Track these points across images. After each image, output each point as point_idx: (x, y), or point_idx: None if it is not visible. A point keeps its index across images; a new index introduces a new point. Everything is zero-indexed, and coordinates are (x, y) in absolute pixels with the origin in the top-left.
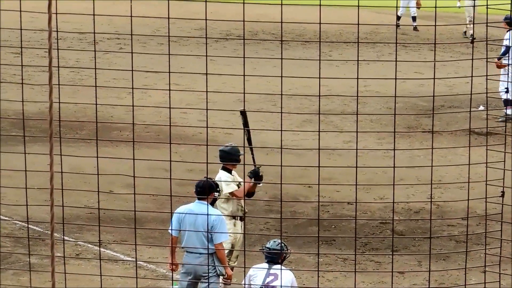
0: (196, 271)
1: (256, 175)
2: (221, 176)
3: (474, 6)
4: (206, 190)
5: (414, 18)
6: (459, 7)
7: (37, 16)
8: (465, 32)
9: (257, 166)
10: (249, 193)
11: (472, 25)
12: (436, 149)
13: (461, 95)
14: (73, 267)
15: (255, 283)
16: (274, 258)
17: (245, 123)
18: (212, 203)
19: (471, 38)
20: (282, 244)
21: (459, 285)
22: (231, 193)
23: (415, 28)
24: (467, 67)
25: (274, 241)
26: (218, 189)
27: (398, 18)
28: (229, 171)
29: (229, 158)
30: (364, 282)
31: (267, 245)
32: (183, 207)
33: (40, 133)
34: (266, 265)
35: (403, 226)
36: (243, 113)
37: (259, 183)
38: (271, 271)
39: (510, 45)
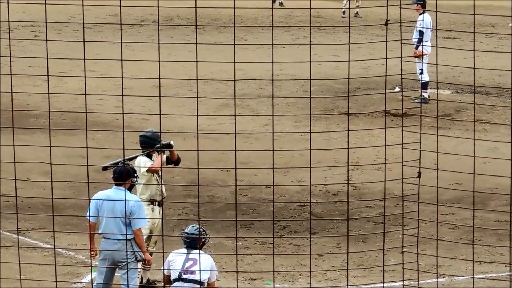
0: (114, 257)
1: (163, 146)
2: (140, 159)
3: None
4: (124, 176)
5: None
6: None
7: None
8: (344, 12)
9: (161, 143)
10: (176, 161)
11: (348, 4)
12: (352, 131)
13: (377, 77)
14: None
15: (174, 268)
16: (193, 243)
17: (117, 163)
18: (130, 189)
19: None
20: (201, 229)
21: (377, 265)
22: (148, 170)
23: (281, 4)
24: (382, 49)
25: (193, 226)
26: (135, 175)
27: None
28: (150, 157)
29: (150, 143)
30: (283, 265)
31: (186, 230)
32: (100, 193)
33: None
34: (185, 250)
35: (321, 209)
36: (105, 169)
37: (170, 150)
38: (190, 256)
39: (423, 27)
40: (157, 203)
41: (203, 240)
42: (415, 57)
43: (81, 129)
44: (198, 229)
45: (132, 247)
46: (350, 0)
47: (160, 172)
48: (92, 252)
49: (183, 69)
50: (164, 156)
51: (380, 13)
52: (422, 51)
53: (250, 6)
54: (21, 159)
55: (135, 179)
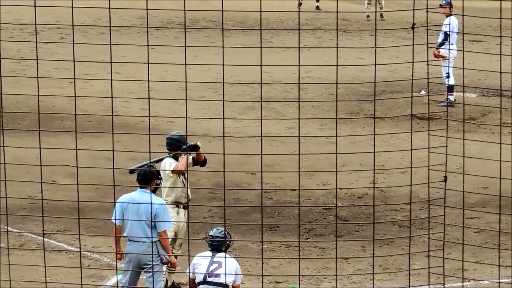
0: (140, 259)
1: (190, 148)
2: (166, 161)
3: None
4: (148, 178)
5: None
6: None
7: None
8: (368, 15)
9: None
10: (202, 162)
11: (375, 6)
12: (378, 135)
13: (403, 80)
14: (17, 258)
15: (199, 271)
16: (218, 245)
17: (143, 166)
18: (154, 191)
19: (412, 24)
20: (226, 232)
21: (403, 269)
22: (173, 171)
23: (317, 8)
24: (408, 52)
25: (217, 229)
26: (160, 176)
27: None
28: (176, 159)
29: (177, 146)
30: (309, 268)
31: (210, 233)
32: (125, 196)
33: None
34: (209, 253)
35: (347, 212)
36: (132, 172)
37: (197, 152)
38: (215, 259)
39: (449, 30)
40: (182, 205)
41: (228, 243)
42: (437, 56)
43: (106, 131)
44: (222, 232)
45: (157, 250)
46: (373, 2)
47: (186, 174)
48: (117, 255)
49: (209, 71)
50: (190, 157)
51: (406, 16)
52: (449, 54)
53: (276, 9)
54: (47, 161)
55: (159, 181)
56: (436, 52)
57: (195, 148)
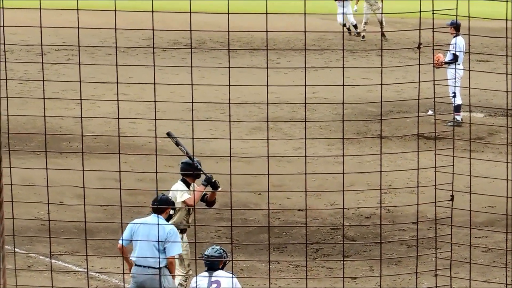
0: (145, 284)
1: (209, 182)
2: (178, 187)
3: (378, 12)
4: (163, 205)
5: (355, 26)
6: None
7: None
8: (363, 36)
9: (208, 174)
10: (211, 202)
11: (369, 28)
12: (385, 154)
13: (410, 100)
14: (25, 279)
15: None
16: (214, 264)
17: (177, 143)
18: (168, 219)
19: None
20: (221, 250)
21: None
22: (183, 202)
23: (358, 34)
24: (414, 72)
25: (213, 248)
26: (175, 208)
27: (344, 25)
28: (188, 185)
29: (190, 171)
30: None
31: (206, 252)
32: (138, 220)
33: None
34: (206, 274)
35: (354, 232)
36: (169, 134)
37: (216, 191)
38: (213, 279)
39: (456, 50)
40: (179, 230)
41: (224, 260)
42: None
43: (114, 152)
44: (217, 251)
45: (164, 276)
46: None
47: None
48: (128, 266)
49: (216, 92)
50: (203, 192)
51: (412, 36)
52: (455, 74)
53: (283, 30)
54: (54, 182)
55: (173, 211)
56: (438, 62)
57: (215, 186)
